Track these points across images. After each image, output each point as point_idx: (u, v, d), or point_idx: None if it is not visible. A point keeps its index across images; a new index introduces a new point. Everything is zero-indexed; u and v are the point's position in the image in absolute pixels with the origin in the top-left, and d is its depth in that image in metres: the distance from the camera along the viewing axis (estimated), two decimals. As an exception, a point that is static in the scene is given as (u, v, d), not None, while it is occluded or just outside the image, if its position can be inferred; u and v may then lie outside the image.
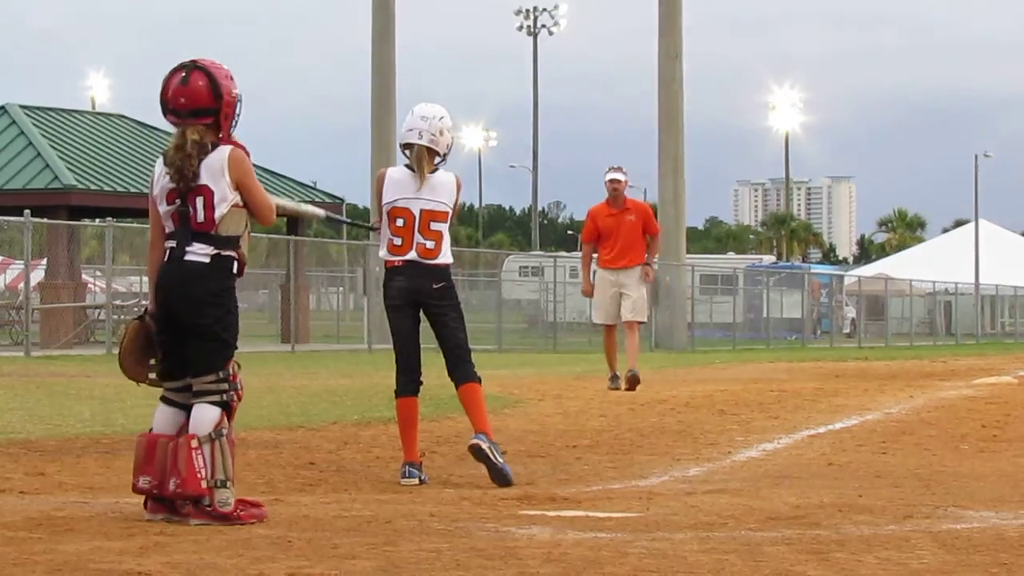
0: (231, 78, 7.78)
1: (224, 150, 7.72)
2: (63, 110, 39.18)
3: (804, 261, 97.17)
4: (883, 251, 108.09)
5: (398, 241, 9.73)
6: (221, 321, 7.70)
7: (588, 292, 19.10)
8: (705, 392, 18.05)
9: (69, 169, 34.41)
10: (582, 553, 6.63)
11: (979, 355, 37.51)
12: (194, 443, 7.52)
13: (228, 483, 7.55)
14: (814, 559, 6.54)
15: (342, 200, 43.56)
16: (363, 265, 41.71)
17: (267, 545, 6.77)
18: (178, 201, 7.70)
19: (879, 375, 24.02)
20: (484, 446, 9.64)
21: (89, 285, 38.27)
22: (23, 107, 37.26)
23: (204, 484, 7.48)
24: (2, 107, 37.04)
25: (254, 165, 7.97)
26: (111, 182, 35.13)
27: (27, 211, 28.24)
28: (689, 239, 50.05)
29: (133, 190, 34.55)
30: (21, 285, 32.70)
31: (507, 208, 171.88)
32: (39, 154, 34.85)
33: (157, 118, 37.18)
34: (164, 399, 7.85)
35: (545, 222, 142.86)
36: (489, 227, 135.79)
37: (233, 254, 7.72)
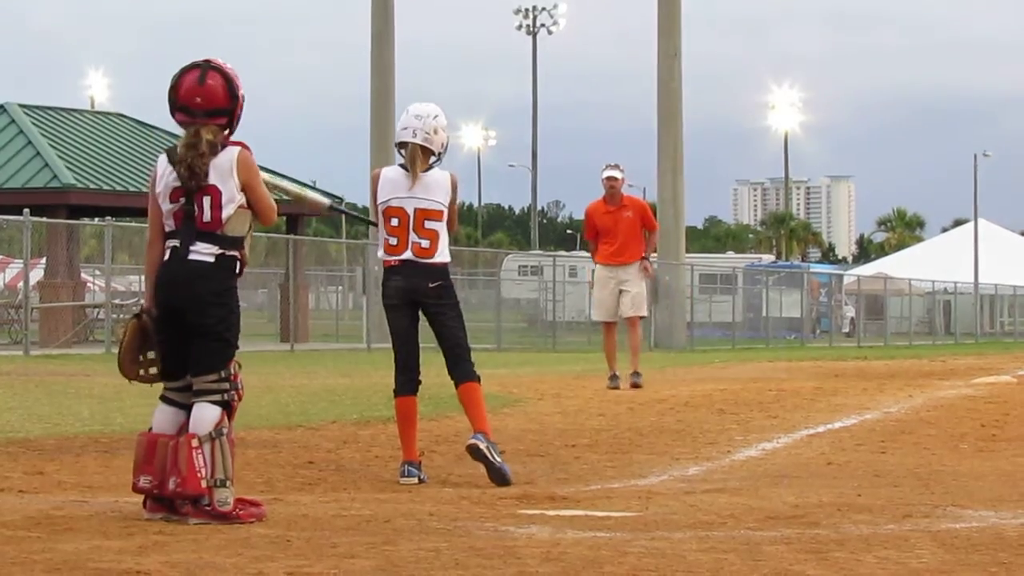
0: (239, 79, 7.81)
1: (233, 151, 7.72)
2: (62, 109, 39.17)
3: (803, 260, 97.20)
4: (882, 250, 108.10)
5: (393, 241, 9.75)
6: (224, 321, 7.70)
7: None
8: (704, 391, 18.05)
9: (68, 168, 34.40)
10: (581, 552, 6.63)
11: (978, 354, 37.51)
12: (195, 442, 7.53)
13: (228, 482, 7.55)
14: (813, 558, 6.54)
15: (341, 199, 43.50)
16: (362, 264, 41.72)
17: (266, 544, 6.77)
18: (182, 200, 7.69)
19: (878, 374, 24.01)
20: (482, 446, 9.63)
21: (88, 284, 38.27)
22: (22, 106, 37.25)
23: (204, 483, 7.49)
24: (1, 106, 37.02)
25: (253, 164, 7.99)
26: (110, 181, 35.12)
27: (26, 210, 28.23)
28: (688, 238, 50.05)
29: (132, 189, 34.54)
30: (20, 284, 32.72)
31: (506, 207, 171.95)
32: (38, 153, 34.84)
33: (156, 117, 37.05)
34: (164, 398, 7.84)
35: (544, 221, 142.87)
36: (488, 226, 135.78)
37: (237, 254, 7.74)
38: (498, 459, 9.66)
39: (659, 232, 19.59)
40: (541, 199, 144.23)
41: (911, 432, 13.36)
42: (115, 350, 7.92)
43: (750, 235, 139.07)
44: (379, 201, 9.78)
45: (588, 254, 19.65)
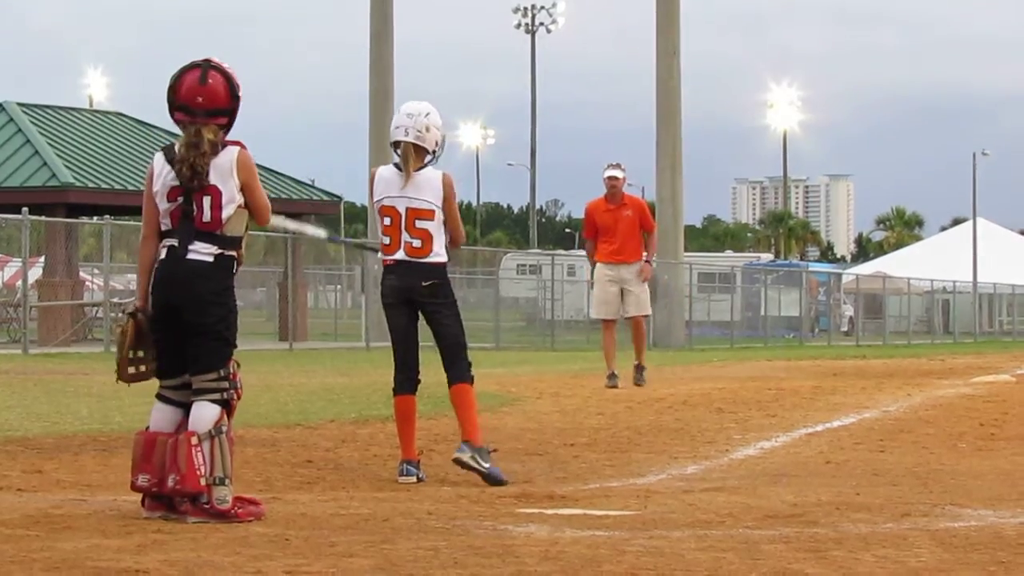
0: (238, 79, 7.82)
1: (232, 151, 7.73)
2: (61, 108, 39.16)
3: (802, 259, 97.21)
4: (881, 249, 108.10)
5: (387, 240, 9.80)
6: (224, 320, 7.71)
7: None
8: (703, 390, 18.06)
9: (67, 167, 34.39)
10: (580, 551, 6.63)
11: (977, 353, 37.52)
12: (194, 440, 7.53)
13: (227, 480, 7.55)
14: (812, 557, 6.54)
15: (340, 198, 43.58)
16: (361, 263, 41.72)
17: (265, 543, 6.77)
18: (180, 199, 7.69)
19: (877, 373, 24.02)
20: (466, 457, 9.65)
21: (87, 283, 38.26)
22: (21, 105, 37.24)
23: (203, 481, 7.49)
24: (0, 105, 37.03)
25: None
26: (109, 180, 35.11)
27: (25, 209, 28.23)
28: (687, 237, 50.06)
29: (131, 188, 34.51)
30: (19, 283, 32.69)
31: (505, 206, 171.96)
32: (37, 152, 34.83)
33: (155, 116, 37.03)
34: (160, 397, 7.84)
35: (543, 220, 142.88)
36: (487, 225, 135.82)
37: (235, 254, 7.74)
38: (486, 466, 9.64)
39: (658, 233, 19.60)
40: (540, 198, 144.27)
41: (910, 431, 13.36)
42: (114, 348, 7.90)
43: (749, 234, 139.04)
44: (375, 200, 9.86)
45: (585, 253, 19.61)
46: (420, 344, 9.99)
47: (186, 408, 7.71)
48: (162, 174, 7.75)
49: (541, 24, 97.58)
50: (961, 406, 16.08)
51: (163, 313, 7.72)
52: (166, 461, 7.54)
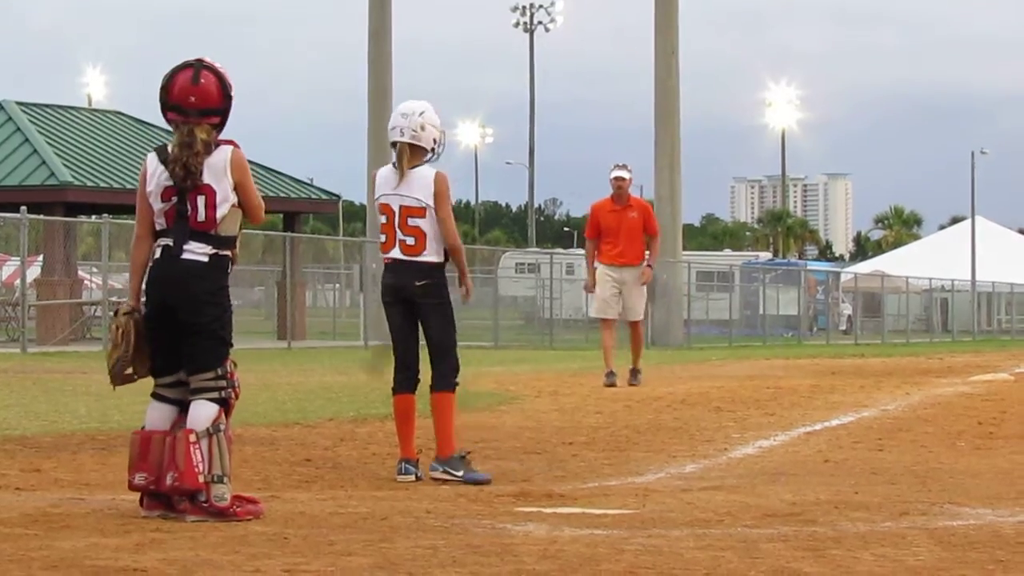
0: (230, 78, 7.82)
1: (226, 150, 7.73)
2: (60, 107, 39.16)
3: (800, 258, 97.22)
4: (879, 248, 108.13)
5: (383, 238, 9.88)
6: (219, 319, 7.71)
7: (592, 288, 19.16)
8: (701, 389, 18.06)
9: (65, 166, 34.39)
10: (578, 550, 6.63)
11: (975, 352, 37.53)
12: (192, 437, 7.53)
13: (225, 479, 7.55)
14: (810, 556, 6.54)
15: (338, 197, 43.57)
16: (359, 261, 41.69)
17: (263, 542, 6.77)
18: (174, 199, 7.69)
19: (875, 372, 24.03)
20: (438, 474, 9.78)
21: (85, 282, 38.22)
22: (20, 104, 37.24)
23: (201, 479, 7.49)
24: (-1, 104, 37.06)
25: (249, 162, 8.00)
26: (107, 179, 35.11)
27: (23, 207, 28.22)
28: (685, 236, 50.08)
29: (129, 187, 34.49)
30: (17, 282, 32.66)
31: (503, 205, 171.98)
32: (35, 151, 34.83)
33: (154, 115, 37.11)
34: (156, 395, 7.84)
35: (541, 219, 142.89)
36: (485, 224, 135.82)
37: (229, 254, 7.74)
38: (459, 474, 9.68)
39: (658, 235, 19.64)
40: (538, 196, 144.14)
41: (908, 430, 13.37)
42: (120, 357, 7.85)
43: (747, 233, 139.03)
44: (374, 198, 9.94)
45: (583, 252, 19.63)
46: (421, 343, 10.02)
47: (181, 406, 7.71)
48: (156, 174, 7.74)
49: (540, 23, 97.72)
50: (959, 405, 16.08)
51: (158, 313, 7.72)
52: (164, 459, 7.55)
